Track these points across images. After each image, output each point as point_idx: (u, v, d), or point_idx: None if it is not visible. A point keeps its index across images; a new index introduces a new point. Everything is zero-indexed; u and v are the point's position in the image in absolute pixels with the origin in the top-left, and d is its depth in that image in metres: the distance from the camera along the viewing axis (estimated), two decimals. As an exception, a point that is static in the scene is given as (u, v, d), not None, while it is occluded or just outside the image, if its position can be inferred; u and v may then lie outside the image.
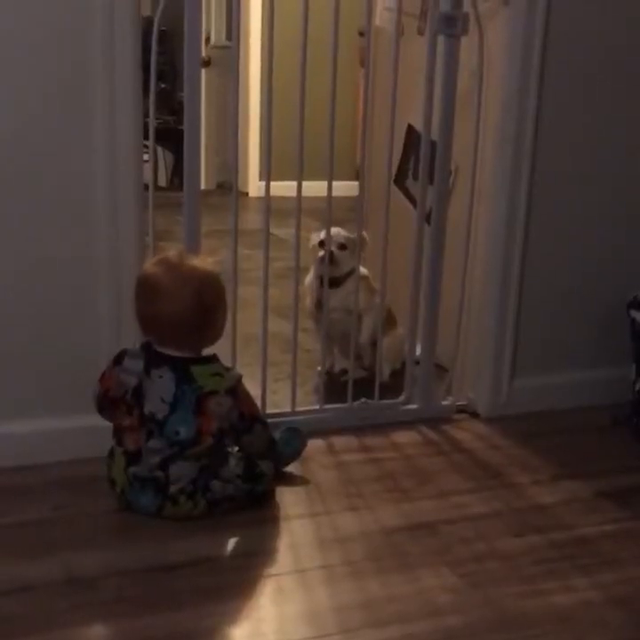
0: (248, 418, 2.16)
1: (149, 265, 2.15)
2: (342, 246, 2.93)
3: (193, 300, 2.07)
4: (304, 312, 2.91)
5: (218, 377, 2.11)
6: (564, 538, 2.12)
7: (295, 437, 2.39)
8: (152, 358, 2.10)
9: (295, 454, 2.38)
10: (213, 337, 2.16)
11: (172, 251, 2.18)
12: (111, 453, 2.14)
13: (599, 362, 2.93)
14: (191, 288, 2.07)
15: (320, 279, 2.91)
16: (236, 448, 2.21)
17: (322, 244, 2.94)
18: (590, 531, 2.16)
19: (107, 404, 2.14)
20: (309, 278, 3.02)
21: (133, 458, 2.09)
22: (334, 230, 2.91)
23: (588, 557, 2.04)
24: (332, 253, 2.90)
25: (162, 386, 2.08)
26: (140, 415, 2.09)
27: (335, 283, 2.87)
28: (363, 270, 2.94)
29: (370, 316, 2.97)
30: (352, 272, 2.92)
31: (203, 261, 2.16)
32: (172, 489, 2.06)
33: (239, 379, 2.16)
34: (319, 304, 2.89)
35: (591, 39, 2.66)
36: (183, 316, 2.06)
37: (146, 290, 2.10)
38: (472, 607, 1.83)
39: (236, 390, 2.12)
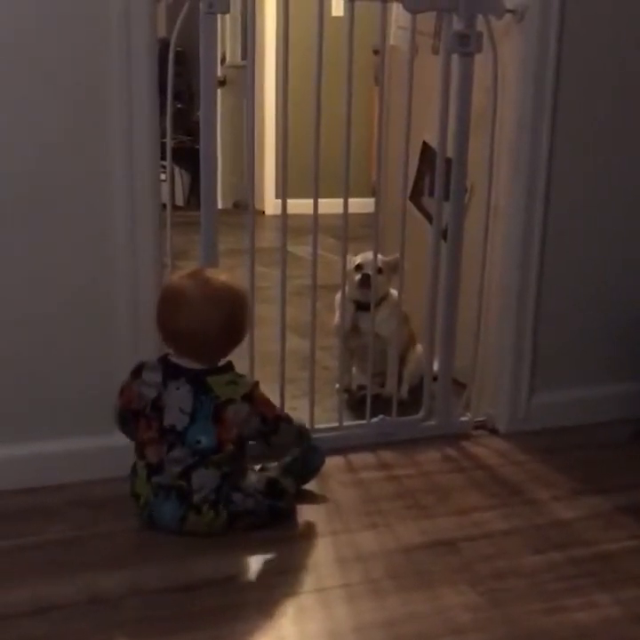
0: (272, 420, 2.17)
1: (180, 277, 2.15)
2: (378, 270, 2.86)
3: (221, 317, 2.09)
4: (323, 328, 2.91)
5: (233, 385, 2.12)
6: (585, 554, 2.11)
7: (314, 455, 2.38)
8: (169, 370, 2.12)
9: (314, 472, 2.38)
10: (230, 351, 2.18)
11: (203, 267, 2.19)
12: (134, 468, 2.15)
13: (618, 376, 2.92)
14: (220, 305, 2.09)
15: (354, 302, 2.94)
16: (258, 467, 2.23)
17: (358, 267, 2.94)
18: (611, 547, 2.15)
19: (129, 417, 2.15)
20: (339, 297, 2.92)
21: (156, 469, 2.10)
22: (371, 254, 2.85)
23: (609, 574, 2.03)
24: (368, 277, 2.88)
25: (180, 397, 2.09)
26: (159, 428, 2.10)
27: (367, 306, 2.81)
28: (395, 294, 2.89)
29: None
30: (385, 296, 2.94)
31: (232, 279, 2.17)
32: (196, 498, 2.06)
33: (254, 384, 2.17)
34: (355, 328, 2.93)
35: (605, 55, 2.67)
36: (209, 333, 2.08)
37: (173, 302, 2.11)
38: (493, 625, 1.83)
39: (253, 396, 2.13)
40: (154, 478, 2.09)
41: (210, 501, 2.07)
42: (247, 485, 2.13)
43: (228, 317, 2.11)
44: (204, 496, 2.07)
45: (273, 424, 2.17)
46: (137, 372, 2.15)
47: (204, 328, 2.08)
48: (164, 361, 2.14)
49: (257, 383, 2.19)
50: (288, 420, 2.25)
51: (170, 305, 2.12)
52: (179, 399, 2.09)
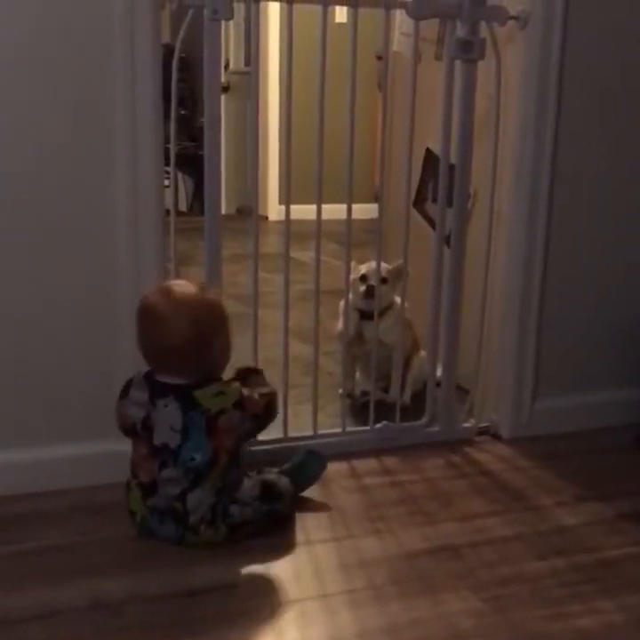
0: (262, 412, 2.14)
1: (149, 293, 2.13)
2: (383, 280, 2.88)
3: (188, 330, 2.05)
4: (326, 334, 2.91)
5: (222, 395, 2.09)
6: (587, 560, 2.11)
7: (314, 461, 2.38)
8: (156, 388, 2.10)
9: (314, 478, 2.37)
10: (211, 364, 2.13)
11: (175, 280, 2.18)
12: (128, 485, 2.14)
13: (621, 382, 2.92)
14: (186, 318, 2.05)
15: (358, 311, 2.94)
16: (256, 472, 2.22)
17: (363, 278, 2.94)
18: (614, 553, 2.15)
19: (130, 433, 2.14)
20: (343, 305, 2.92)
21: (149, 489, 2.09)
22: (376, 264, 2.84)
23: (612, 580, 2.03)
24: (373, 288, 2.87)
25: (169, 415, 2.07)
26: (149, 446, 2.08)
27: (371, 315, 2.81)
28: (399, 301, 2.88)
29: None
30: (390, 305, 2.94)
31: (203, 290, 2.15)
32: (192, 519, 2.05)
33: (241, 391, 2.13)
34: (359, 336, 2.94)
35: (608, 62, 2.67)
36: (178, 346, 2.05)
37: (144, 318, 2.10)
38: (496, 631, 1.82)
39: (243, 401, 2.11)
40: (148, 500, 2.08)
41: (206, 521, 2.06)
42: (243, 494, 2.11)
43: (196, 329, 2.06)
44: (200, 517, 2.06)
45: (264, 413, 2.15)
46: (125, 390, 2.14)
47: (174, 342, 2.05)
48: (149, 378, 2.12)
49: (242, 389, 2.15)
50: (272, 399, 2.19)
51: (142, 322, 2.10)
52: (168, 417, 2.07)
